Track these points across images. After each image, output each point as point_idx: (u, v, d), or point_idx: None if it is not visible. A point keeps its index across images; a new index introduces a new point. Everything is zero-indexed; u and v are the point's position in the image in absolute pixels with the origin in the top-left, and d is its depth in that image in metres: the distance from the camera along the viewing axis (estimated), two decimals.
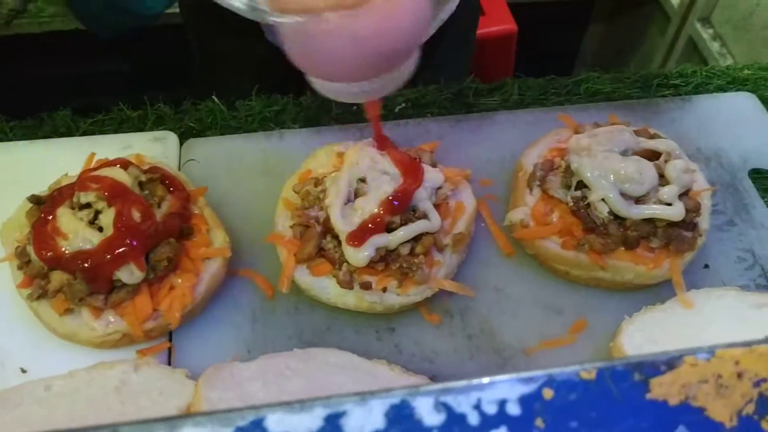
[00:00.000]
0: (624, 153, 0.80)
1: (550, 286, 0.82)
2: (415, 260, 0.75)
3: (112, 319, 0.72)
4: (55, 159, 0.88)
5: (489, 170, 0.92)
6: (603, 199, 0.77)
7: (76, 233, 0.71)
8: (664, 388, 0.36)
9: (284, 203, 0.81)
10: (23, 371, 0.73)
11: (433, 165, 0.83)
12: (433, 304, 0.80)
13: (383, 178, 0.77)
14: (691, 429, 0.35)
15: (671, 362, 0.36)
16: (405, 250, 0.75)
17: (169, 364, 0.75)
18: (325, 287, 0.76)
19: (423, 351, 0.77)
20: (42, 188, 0.80)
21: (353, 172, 0.77)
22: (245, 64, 1.16)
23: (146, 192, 0.77)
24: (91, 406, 0.66)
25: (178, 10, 1.26)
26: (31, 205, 0.77)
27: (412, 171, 0.78)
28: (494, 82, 1.04)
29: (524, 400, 0.35)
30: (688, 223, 0.79)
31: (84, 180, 0.75)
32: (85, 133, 0.96)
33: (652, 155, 0.82)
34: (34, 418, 0.64)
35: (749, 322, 0.74)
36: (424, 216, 0.76)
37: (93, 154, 0.84)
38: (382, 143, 0.81)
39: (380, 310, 0.76)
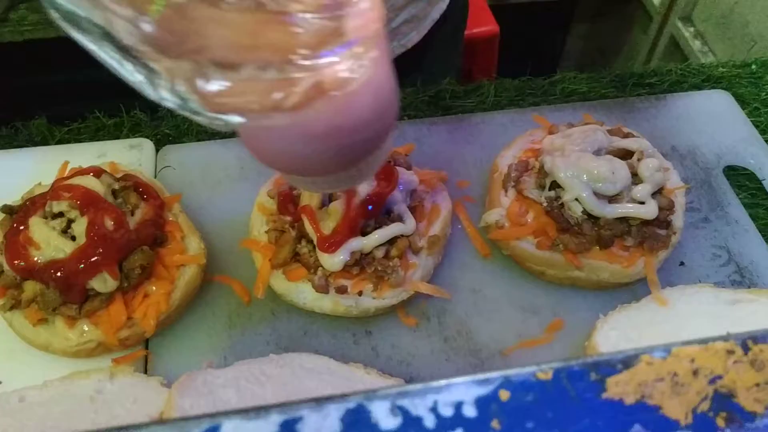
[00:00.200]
0: (597, 152, 0.81)
1: (526, 287, 0.82)
2: (390, 263, 0.75)
3: (87, 328, 0.72)
4: (30, 168, 0.88)
5: (466, 172, 0.92)
6: (576, 199, 0.77)
7: (49, 243, 0.71)
8: (620, 387, 0.36)
9: (259, 208, 0.81)
10: None
11: (408, 168, 0.83)
12: (410, 306, 0.80)
13: None
14: (646, 427, 0.35)
15: (627, 361, 0.36)
16: (380, 254, 0.75)
17: (146, 372, 0.75)
18: (301, 292, 0.76)
19: (400, 354, 0.77)
20: (15, 198, 0.80)
21: None
22: None
23: (119, 200, 0.76)
24: (65, 416, 0.66)
25: None
26: (3, 215, 0.76)
27: (386, 174, 0.78)
28: (471, 84, 1.05)
29: (480, 402, 0.35)
30: (662, 221, 0.79)
31: (57, 189, 0.75)
32: (60, 142, 0.95)
33: (626, 154, 0.82)
34: (6, 431, 0.63)
35: (723, 318, 0.75)
36: (399, 219, 0.77)
37: (66, 163, 0.84)
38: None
39: (356, 314, 0.76)
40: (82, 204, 0.73)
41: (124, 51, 0.42)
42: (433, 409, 0.35)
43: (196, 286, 0.78)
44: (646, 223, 0.78)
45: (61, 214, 0.74)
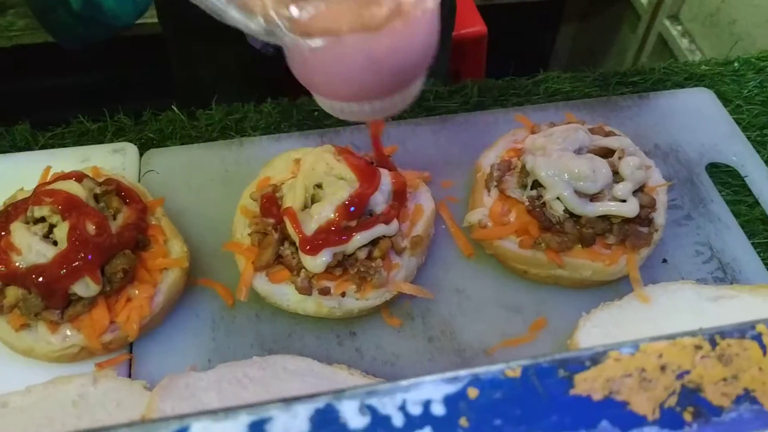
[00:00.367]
0: (579, 151, 0.81)
1: (509, 286, 0.82)
2: (373, 264, 0.75)
3: (69, 333, 0.72)
4: (13, 173, 0.88)
5: (449, 172, 0.92)
6: (558, 198, 0.77)
7: (30, 248, 0.71)
8: (588, 384, 0.36)
9: (242, 211, 0.81)
10: None
11: (392, 169, 0.83)
12: (394, 307, 0.80)
13: (339, 184, 0.77)
14: (613, 423, 0.35)
15: (595, 358, 0.37)
16: (362, 255, 0.75)
17: (130, 376, 0.75)
18: (285, 294, 0.76)
19: (384, 354, 0.77)
20: None
21: (309, 178, 0.77)
22: (227, 68, 1.17)
23: (101, 204, 0.76)
24: (48, 421, 0.66)
25: (148, 21, 1.26)
26: None
27: (368, 176, 0.78)
28: (455, 85, 1.05)
29: (449, 400, 0.35)
30: (644, 219, 0.79)
31: (38, 194, 0.75)
32: (44, 147, 0.95)
33: (607, 153, 0.82)
34: None
35: (705, 314, 0.75)
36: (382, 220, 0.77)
37: (49, 168, 0.83)
38: (383, 162, 0.81)
39: (340, 315, 0.76)
40: (63, 209, 0.73)
41: None
42: (402, 408, 0.35)
43: (179, 289, 0.78)
44: (627, 220, 0.78)
45: (42, 219, 0.73)
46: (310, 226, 0.74)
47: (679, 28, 2.18)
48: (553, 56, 2.77)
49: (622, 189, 0.78)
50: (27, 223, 0.74)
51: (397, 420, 0.34)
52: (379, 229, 0.75)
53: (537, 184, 0.80)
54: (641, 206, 0.78)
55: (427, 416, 0.34)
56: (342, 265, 0.75)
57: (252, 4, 0.49)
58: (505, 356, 0.76)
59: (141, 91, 1.22)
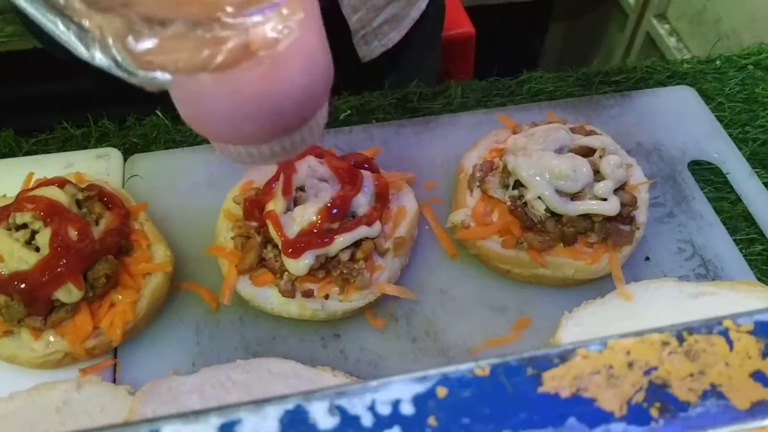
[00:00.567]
0: (560, 151, 0.81)
1: (493, 286, 0.83)
2: (356, 266, 0.75)
3: (53, 339, 0.72)
4: None
5: (433, 173, 0.93)
6: (539, 197, 0.78)
7: (12, 254, 0.71)
8: (556, 381, 0.36)
9: (225, 214, 0.81)
10: None
11: (374, 170, 0.84)
12: (378, 308, 0.80)
13: (322, 186, 0.77)
14: (581, 420, 0.35)
15: (564, 355, 0.37)
16: (345, 257, 0.75)
17: (115, 381, 0.75)
18: (268, 297, 0.76)
19: (368, 356, 0.77)
20: None
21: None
22: None
23: (84, 210, 0.76)
24: (31, 428, 0.66)
25: None
26: None
27: (350, 178, 0.78)
28: (439, 86, 1.05)
29: (418, 400, 0.35)
30: (625, 217, 0.80)
31: (20, 200, 0.75)
32: (27, 153, 0.95)
33: (588, 152, 0.83)
34: None
35: (686, 311, 0.76)
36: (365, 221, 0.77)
37: (31, 174, 0.84)
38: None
39: (323, 317, 0.76)
40: (45, 215, 0.73)
41: (57, 10, 0.43)
42: (371, 408, 0.35)
43: (162, 294, 0.78)
44: (609, 219, 0.79)
45: (24, 226, 0.73)
46: (293, 229, 0.74)
47: (667, 26, 2.19)
48: (542, 56, 2.78)
49: (603, 187, 0.78)
50: (9, 229, 0.73)
51: (367, 420, 0.35)
52: (361, 231, 0.75)
53: (519, 184, 0.80)
54: (622, 204, 0.79)
55: (396, 416, 0.35)
56: (325, 267, 0.75)
57: (87, 27, 0.43)
58: (489, 356, 0.76)
59: (125, 96, 1.22)
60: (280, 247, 0.74)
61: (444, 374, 0.36)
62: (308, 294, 0.75)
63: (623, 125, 0.99)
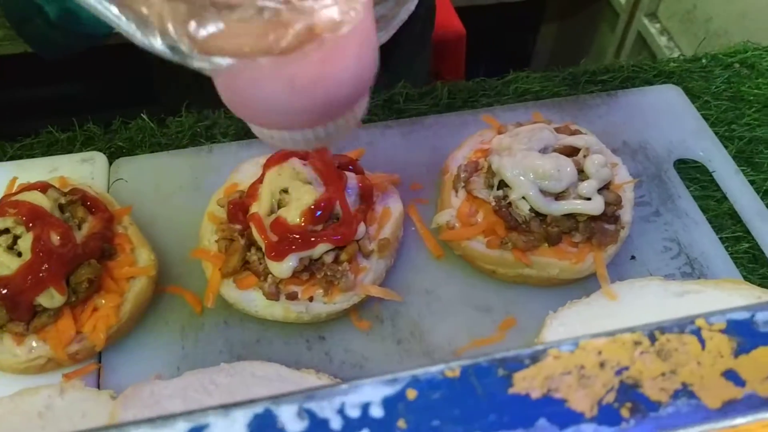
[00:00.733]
0: (544, 150, 0.81)
1: (478, 286, 0.83)
2: (340, 268, 0.75)
3: (35, 344, 0.72)
4: None
5: (419, 174, 0.92)
6: (524, 197, 0.78)
7: None
8: (527, 382, 0.36)
9: (209, 217, 0.81)
10: None
11: (359, 172, 0.84)
12: (363, 310, 0.80)
13: (305, 188, 0.77)
14: (551, 420, 0.35)
15: (535, 356, 0.37)
16: (329, 258, 0.75)
17: (99, 386, 0.75)
18: (253, 300, 0.76)
19: (353, 358, 0.77)
20: None
21: (275, 183, 0.77)
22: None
23: (67, 214, 0.76)
24: None
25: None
26: None
27: (334, 179, 0.78)
28: (425, 87, 1.05)
29: (387, 402, 0.35)
30: (610, 216, 0.80)
31: (2, 205, 0.74)
32: (12, 158, 0.95)
33: (573, 151, 0.83)
34: None
35: (671, 310, 0.76)
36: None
37: (15, 179, 0.83)
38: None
39: (308, 320, 0.76)
40: (27, 220, 0.72)
41: None
42: (340, 411, 0.35)
43: (146, 297, 0.77)
44: (593, 218, 0.79)
45: (6, 231, 0.73)
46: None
47: (658, 26, 2.20)
48: (534, 56, 2.78)
49: (587, 187, 0.78)
50: None
51: (335, 423, 0.34)
52: None
53: (503, 184, 0.80)
54: (607, 204, 0.79)
55: (365, 419, 0.35)
56: (309, 269, 0.75)
57: (146, 14, 0.43)
58: (473, 357, 0.77)
59: (111, 100, 1.22)
60: (263, 249, 0.74)
61: (414, 376, 0.36)
62: (292, 296, 0.75)
63: (609, 124, 0.99)
